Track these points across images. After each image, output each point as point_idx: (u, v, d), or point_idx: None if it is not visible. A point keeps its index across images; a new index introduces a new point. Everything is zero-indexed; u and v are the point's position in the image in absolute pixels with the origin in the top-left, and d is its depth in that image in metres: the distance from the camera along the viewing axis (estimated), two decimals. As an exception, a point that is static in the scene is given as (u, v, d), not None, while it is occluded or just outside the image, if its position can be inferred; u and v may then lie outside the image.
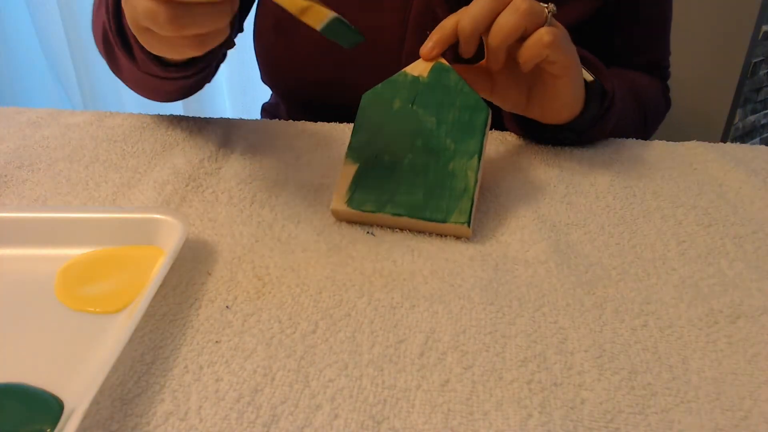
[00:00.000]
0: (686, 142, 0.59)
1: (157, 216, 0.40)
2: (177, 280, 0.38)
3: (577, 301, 0.37)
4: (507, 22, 0.44)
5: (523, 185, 0.50)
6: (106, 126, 0.61)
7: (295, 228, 0.44)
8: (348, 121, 0.63)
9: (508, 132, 0.60)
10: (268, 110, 0.81)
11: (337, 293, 0.38)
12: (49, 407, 0.29)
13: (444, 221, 0.42)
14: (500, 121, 0.58)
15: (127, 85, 0.60)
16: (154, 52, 0.45)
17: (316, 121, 0.63)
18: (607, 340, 0.34)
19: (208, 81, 0.62)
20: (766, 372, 0.33)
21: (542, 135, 0.57)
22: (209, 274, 0.39)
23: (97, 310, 0.36)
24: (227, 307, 0.36)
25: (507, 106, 0.54)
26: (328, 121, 0.63)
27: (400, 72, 0.47)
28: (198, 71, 0.54)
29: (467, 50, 0.46)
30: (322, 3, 0.39)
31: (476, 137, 0.44)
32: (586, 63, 0.53)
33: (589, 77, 0.52)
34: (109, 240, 0.41)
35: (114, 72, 0.60)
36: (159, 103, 0.64)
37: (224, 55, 0.70)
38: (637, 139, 0.60)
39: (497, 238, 0.43)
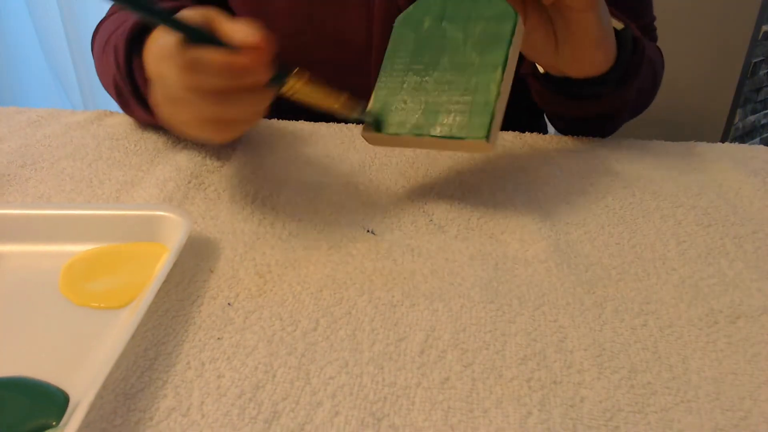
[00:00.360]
0: (686, 142, 0.59)
1: (161, 213, 0.41)
2: (180, 277, 0.38)
3: (577, 300, 0.38)
4: None
5: (523, 185, 0.51)
6: (107, 124, 0.61)
7: (296, 226, 0.44)
8: (331, 121, 0.63)
9: (507, 132, 0.60)
10: None
11: (337, 291, 0.38)
12: (55, 400, 0.29)
13: (464, 138, 0.42)
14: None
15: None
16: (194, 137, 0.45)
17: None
18: (606, 339, 0.35)
19: None
20: (766, 372, 0.33)
21: (572, 96, 0.55)
22: (211, 272, 0.39)
23: (101, 305, 0.36)
24: (229, 304, 0.37)
25: (536, 56, 0.52)
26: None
27: None
28: None
29: None
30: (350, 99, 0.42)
31: (501, 48, 0.42)
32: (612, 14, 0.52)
33: (620, 25, 0.51)
34: (113, 236, 0.41)
35: (126, 113, 0.61)
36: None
37: None
38: (648, 99, 0.60)
39: (497, 237, 0.44)
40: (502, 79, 0.42)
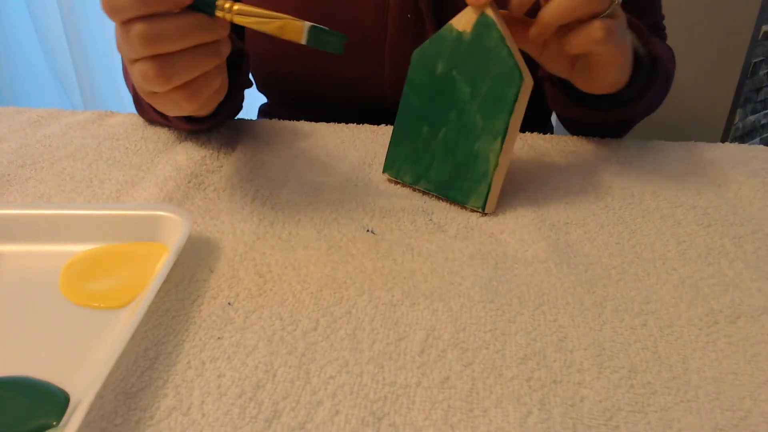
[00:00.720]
0: (685, 142, 0.60)
1: (161, 213, 0.41)
2: (180, 277, 0.39)
3: (577, 299, 0.38)
4: (564, 3, 0.42)
5: (522, 185, 0.51)
6: (108, 125, 0.61)
7: (296, 226, 0.44)
8: (339, 118, 0.63)
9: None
10: (266, 112, 0.81)
11: (337, 291, 0.38)
12: (56, 400, 0.29)
13: (464, 203, 0.46)
14: None
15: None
16: (166, 113, 0.45)
17: (311, 121, 0.63)
18: (606, 338, 0.35)
19: (238, 113, 0.63)
20: (766, 372, 0.33)
21: (586, 105, 0.56)
22: (211, 271, 0.39)
23: (101, 305, 0.36)
24: (229, 303, 0.37)
25: (553, 69, 0.52)
26: (322, 118, 0.63)
27: (446, 26, 0.46)
28: (222, 118, 0.55)
29: (519, 10, 0.44)
30: (294, 17, 0.40)
31: (503, 115, 0.44)
32: (634, 30, 0.51)
33: (642, 50, 0.52)
34: (113, 236, 0.41)
35: (144, 117, 0.61)
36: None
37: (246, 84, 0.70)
38: (660, 101, 0.60)
39: (497, 237, 0.44)
40: (501, 150, 0.45)
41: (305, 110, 0.68)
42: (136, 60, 0.39)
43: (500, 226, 0.45)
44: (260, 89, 0.75)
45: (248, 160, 0.54)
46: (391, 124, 0.50)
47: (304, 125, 0.62)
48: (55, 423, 0.28)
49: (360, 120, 0.63)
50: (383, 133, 0.60)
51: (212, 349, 0.33)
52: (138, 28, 0.37)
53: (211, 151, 0.55)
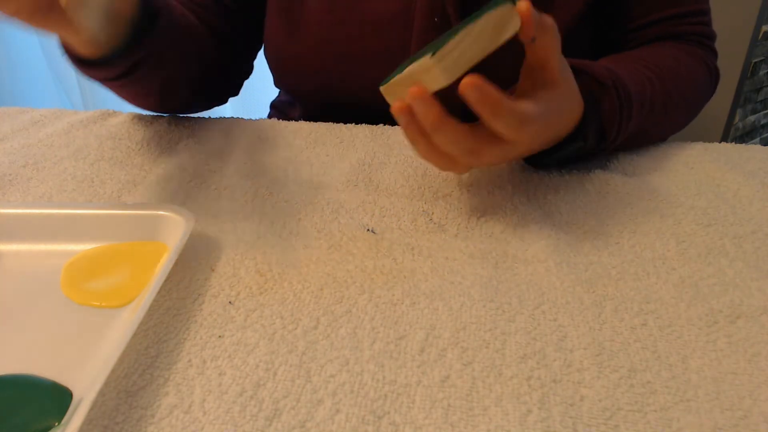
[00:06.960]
0: (683, 142, 0.59)
1: (162, 212, 0.41)
2: (181, 276, 0.39)
3: (577, 299, 0.38)
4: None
5: (522, 184, 0.51)
6: (110, 124, 0.61)
7: (296, 225, 0.44)
8: (365, 119, 0.62)
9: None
10: (277, 107, 0.80)
11: (338, 290, 0.38)
12: (59, 398, 0.29)
13: (417, 59, 0.41)
14: None
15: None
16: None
17: (331, 119, 0.63)
18: (606, 338, 0.35)
19: (211, 104, 0.62)
20: (765, 372, 0.33)
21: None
22: (212, 270, 0.39)
23: (103, 304, 0.36)
24: (230, 302, 0.37)
25: None
26: (344, 118, 0.62)
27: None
28: (122, 72, 0.50)
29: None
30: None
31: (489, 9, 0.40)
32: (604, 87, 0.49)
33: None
34: (115, 236, 0.41)
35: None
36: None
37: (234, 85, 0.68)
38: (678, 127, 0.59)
39: (497, 237, 0.44)
40: (468, 27, 0.39)
41: (330, 111, 0.67)
42: None
43: (500, 226, 0.45)
44: (283, 88, 0.74)
45: (249, 159, 0.54)
46: None
47: (304, 125, 0.62)
48: (57, 422, 0.28)
49: (378, 122, 0.63)
50: (383, 133, 0.60)
51: (213, 348, 0.33)
52: None
53: (212, 151, 0.55)
